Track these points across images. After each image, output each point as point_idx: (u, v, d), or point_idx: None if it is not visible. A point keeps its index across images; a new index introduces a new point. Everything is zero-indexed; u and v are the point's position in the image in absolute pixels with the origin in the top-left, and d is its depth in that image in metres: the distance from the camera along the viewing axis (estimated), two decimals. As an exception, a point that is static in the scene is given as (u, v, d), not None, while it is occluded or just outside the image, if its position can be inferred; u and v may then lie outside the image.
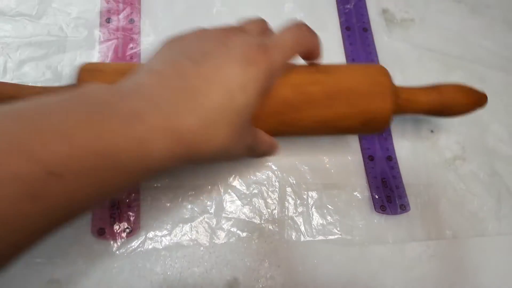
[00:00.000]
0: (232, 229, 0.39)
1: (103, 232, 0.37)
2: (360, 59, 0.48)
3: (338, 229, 0.41)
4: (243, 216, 0.40)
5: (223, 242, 0.39)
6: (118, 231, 0.37)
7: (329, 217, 0.41)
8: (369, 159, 0.44)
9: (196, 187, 0.40)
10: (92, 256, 0.36)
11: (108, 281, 0.36)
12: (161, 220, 0.39)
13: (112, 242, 0.37)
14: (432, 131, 0.47)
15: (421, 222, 0.43)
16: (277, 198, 0.41)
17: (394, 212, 0.42)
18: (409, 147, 0.46)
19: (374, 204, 0.42)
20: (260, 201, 0.41)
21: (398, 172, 0.44)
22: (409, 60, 0.50)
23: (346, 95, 0.35)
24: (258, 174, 0.42)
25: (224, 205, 0.40)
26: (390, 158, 0.45)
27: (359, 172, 0.44)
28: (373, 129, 0.37)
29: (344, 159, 0.44)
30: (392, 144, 0.46)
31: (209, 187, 0.41)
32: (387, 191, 0.43)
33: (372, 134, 0.44)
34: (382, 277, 0.40)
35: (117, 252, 0.37)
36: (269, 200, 0.41)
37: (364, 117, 0.35)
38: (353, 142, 0.45)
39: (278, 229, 0.40)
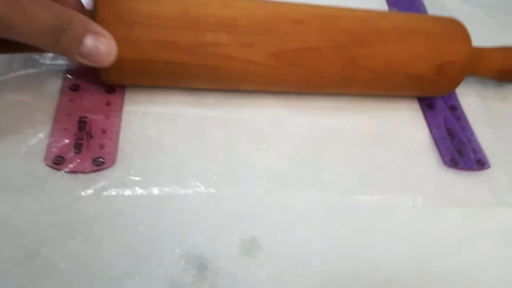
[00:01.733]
0: (250, 176, 0.28)
1: (61, 161, 0.26)
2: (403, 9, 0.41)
3: (398, 186, 0.30)
4: (264, 161, 0.29)
5: (237, 191, 0.27)
6: (83, 162, 0.26)
7: (385, 171, 0.30)
8: (428, 107, 0.35)
9: (201, 118, 0.30)
10: (44, 192, 0.25)
11: (65, 228, 0.24)
12: (149, 155, 0.27)
13: (74, 176, 0.25)
14: (500, 85, 0.38)
15: (510, 184, 0.32)
16: (312, 142, 0.31)
17: (469, 166, 0.32)
18: (476, 99, 0.37)
19: (442, 157, 0.32)
20: (288, 144, 0.30)
21: (467, 124, 0.34)
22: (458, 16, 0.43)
23: (420, 32, 0.31)
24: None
25: (239, 145, 0.29)
26: (454, 108, 0.35)
27: (418, 121, 0.34)
28: (448, 78, 0.32)
29: (398, 107, 0.35)
30: (454, 92, 0.36)
31: (217, 120, 0.30)
32: (457, 143, 0.33)
33: (439, 93, 0.35)
34: (462, 250, 0.28)
35: (82, 192, 0.25)
36: (300, 143, 0.30)
37: (440, 60, 0.31)
38: (405, 87, 0.36)
39: (315, 181, 0.29)
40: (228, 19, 0.28)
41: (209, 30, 0.27)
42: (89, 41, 0.24)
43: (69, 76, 0.29)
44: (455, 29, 0.32)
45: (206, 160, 0.28)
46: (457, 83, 0.33)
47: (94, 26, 0.24)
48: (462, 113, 0.35)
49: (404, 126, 0.33)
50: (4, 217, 0.24)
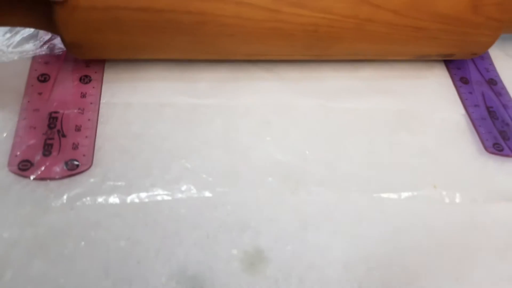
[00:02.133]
0: (253, 173, 0.24)
1: (28, 166, 0.22)
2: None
3: (430, 178, 0.25)
4: (269, 154, 0.25)
5: (237, 192, 0.23)
6: (54, 166, 0.22)
7: (413, 161, 0.26)
8: (462, 81, 0.29)
9: (191, 107, 0.25)
10: (7, 203, 0.21)
11: (31, 247, 0.20)
12: (131, 154, 0.23)
13: (43, 183, 0.22)
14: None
15: None
16: (325, 130, 0.26)
17: (518, 152, 0.26)
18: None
19: (483, 142, 0.27)
20: (297, 132, 0.26)
21: (510, 100, 0.29)
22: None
23: None
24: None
25: (238, 136, 0.25)
26: (494, 82, 0.30)
27: (451, 99, 0.29)
28: (485, 19, 0.26)
29: (426, 83, 0.30)
30: (492, 63, 0.31)
31: (211, 108, 0.26)
32: (499, 124, 0.28)
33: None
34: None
35: (52, 201, 0.21)
36: (311, 132, 0.26)
37: None
38: (435, 62, 0.31)
39: (331, 176, 0.24)
40: None
41: None
42: None
43: (38, 64, 0.25)
44: None
45: (199, 158, 0.24)
46: (497, 29, 0.27)
47: None
48: (503, 87, 0.30)
49: (434, 106, 0.28)
50: (-40, 236, 0.20)
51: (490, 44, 0.28)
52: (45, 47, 0.26)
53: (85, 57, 0.25)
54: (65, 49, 0.26)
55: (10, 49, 0.25)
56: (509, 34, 0.31)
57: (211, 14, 0.23)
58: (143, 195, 0.22)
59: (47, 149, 0.22)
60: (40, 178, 0.22)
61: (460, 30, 0.27)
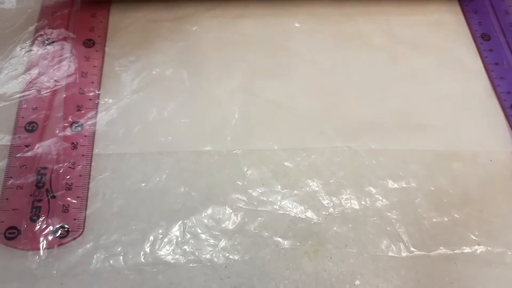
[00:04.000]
0: (264, 234, 0.21)
1: (14, 234, 0.20)
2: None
3: (476, 233, 0.22)
4: (282, 210, 0.22)
5: (246, 258, 0.20)
6: (43, 233, 0.20)
7: (454, 213, 0.22)
8: (483, 38, 0.25)
9: (195, 155, 0.23)
10: (-10, 280, 0.19)
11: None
12: (127, 215, 0.21)
13: (31, 254, 0.20)
14: None
15: None
16: (349, 178, 0.23)
17: None
18: None
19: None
20: (316, 182, 0.23)
21: None
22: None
23: None
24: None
25: (247, 188, 0.22)
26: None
27: (499, 132, 0.25)
28: None
29: (468, 110, 0.26)
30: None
31: (216, 157, 0.23)
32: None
33: None
34: None
35: (41, 276, 0.19)
36: (332, 180, 0.23)
37: None
38: (480, 82, 0.27)
39: (356, 235, 0.21)
40: None
41: None
42: None
43: (24, 111, 0.23)
44: None
45: (203, 217, 0.21)
46: None
47: None
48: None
49: (479, 143, 0.25)
50: None
51: None
52: (33, 88, 0.24)
53: None
54: (52, 86, 0.23)
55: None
56: None
57: None
58: (140, 264, 0.20)
59: (35, 213, 0.21)
60: (28, 248, 0.20)
61: None
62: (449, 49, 0.28)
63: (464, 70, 0.27)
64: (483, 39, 0.28)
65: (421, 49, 0.28)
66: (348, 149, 0.24)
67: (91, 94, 0.24)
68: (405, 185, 0.23)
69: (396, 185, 0.23)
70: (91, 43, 0.26)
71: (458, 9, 0.30)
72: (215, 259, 0.20)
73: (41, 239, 0.20)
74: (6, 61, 0.25)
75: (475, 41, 0.28)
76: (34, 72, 0.24)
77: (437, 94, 0.26)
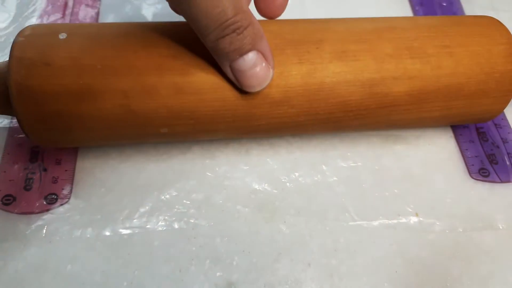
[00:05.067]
0: (227, 204, 0.24)
1: (10, 200, 0.23)
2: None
3: (412, 206, 0.25)
4: (244, 184, 0.25)
5: (211, 223, 0.24)
6: (35, 201, 0.23)
7: (395, 188, 0.26)
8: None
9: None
10: (-12, 238, 0.22)
11: (11, 281, 0.21)
12: (108, 187, 0.24)
13: (25, 217, 0.23)
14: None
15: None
16: (304, 157, 0.26)
17: (504, 178, 0.26)
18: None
19: (468, 167, 0.27)
20: (275, 160, 0.26)
21: (504, 118, 0.29)
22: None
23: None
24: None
25: (214, 166, 0.26)
26: (486, 101, 0.29)
27: (436, 121, 0.29)
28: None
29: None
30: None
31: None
32: (489, 146, 0.27)
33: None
34: (495, 286, 0.23)
35: (32, 235, 0.23)
36: (289, 159, 0.26)
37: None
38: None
39: (307, 205, 0.25)
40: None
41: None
42: (250, 57, 0.20)
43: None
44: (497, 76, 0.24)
45: (173, 189, 0.25)
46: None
47: (265, 45, 0.21)
48: (496, 107, 0.29)
49: (420, 128, 0.28)
50: None
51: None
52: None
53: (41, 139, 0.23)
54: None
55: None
56: None
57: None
58: (117, 228, 0.23)
59: (28, 183, 0.24)
60: (22, 213, 0.23)
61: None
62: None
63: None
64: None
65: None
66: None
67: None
68: (353, 164, 0.26)
69: (344, 164, 0.26)
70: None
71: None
72: (183, 224, 0.24)
73: (33, 204, 0.23)
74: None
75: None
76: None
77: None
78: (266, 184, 0.25)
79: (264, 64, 0.21)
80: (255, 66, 0.20)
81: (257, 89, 0.21)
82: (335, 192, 0.25)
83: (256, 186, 0.25)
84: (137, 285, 0.22)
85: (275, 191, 0.25)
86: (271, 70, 0.21)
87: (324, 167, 0.26)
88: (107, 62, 0.21)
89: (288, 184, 0.25)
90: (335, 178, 0.26)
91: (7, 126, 0.26)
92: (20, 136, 0.25)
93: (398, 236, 0.24)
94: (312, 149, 0.27)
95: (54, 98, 0.20)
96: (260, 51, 0.20)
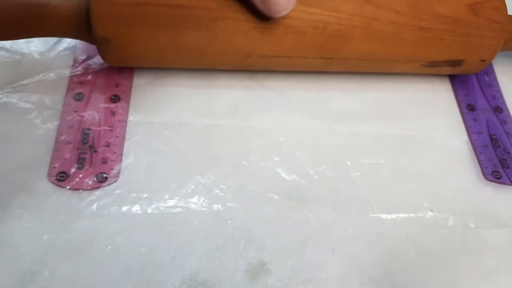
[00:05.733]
0: (260, 191, 0.27)
1: (64, 177, 0.26)
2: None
3: (427, 202, 0.28)
4: (276, 173, 0.27)
5: (245, 207, 0.26)
6: (86, 178, 0.26)
7: (412, 185, 0.28)
8: (468, 108, 0.31)
9: (207, 127, 0.29)
10: (46, 209, 0.25)
11: (65, 249, 0.24)
12: (153, 169, 0.27)
13: (76, 193, 0.25)
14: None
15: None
16: (330, 152, 0.29)
17: (515, 181, 0.28)
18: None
19: (482, 169, 0.29)
20: (304, 154, 0.28)
21: (514, 128, 0.31)
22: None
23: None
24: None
25: (249, 155, 0.28)
26: (499, 109, 0.32)
27: (455, 126, 0.31)
28: (486, 21, 0.29)
29: (432, 107, 0.32)
30: (499, 91, 0.33)
31: (225, 129, 0.29)
32: (501, 152, 0.29)
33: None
34: (500, 279, 0.26)
35: (84, 210, 0.25)
36: (317, 153, 0.29)
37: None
38: (442, 85, 0.33)
39: (332, 196, 0.27)
40: None
41: None
42: None
43: (74, 84, 0.29)
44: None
45: (212, 174, 0.27)
46: (500, 31, 0.29)
47: None
48: (509, 115, 0.32)
49: (437, 132, 0.31)
50: (7, 235, 0.24)
51: (496, 47, 0.30)
52: (80, 67, 0.30)
53: (113, 60, 0.28)
54: (98, 68, 0.29)
55: (49, 66, 0.29)
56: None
57: (227, 11, 0.26)
58: (162, 207, 0.26)
59: (81, 162, 0.26)
60: (74, 189, 0.25)
61: (463, 31, 0.29)
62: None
63: (431, 76, 0.33)
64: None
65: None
66: (330, 130, 0.30)
67: (127, 73, 0.30)
68: (374, 161, 0.29)
69: (367, 161, 0.29)
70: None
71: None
72: (221, 207, 0.26)
73: (85, 182, 0.26)
74: (59, 44, 0.31)
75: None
76: (83, 56, 0.30)
77: (407, 91, 0.32)
78: (295, 175, 0.28)
79: None
80: None
81: (283, 13, 0.25)
82: (357, 186, 0.28)
83: (286, 177, 0.28)
84: (178, 260, 0.24)
85: (303, 182, 0.28)
86: None
87: (348, 163, 0.29)
88: None
89: (315, 176, 0.28)
90: (358, 173, 0.28)
91: (60, 108, 0.28)
92: (73, 118, 0.27)
93: (413, 229, 0.27)
94: (337, 145, 0.29)
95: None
96: None
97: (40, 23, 0.26)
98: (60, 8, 0.26)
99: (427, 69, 0.30)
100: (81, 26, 0.26)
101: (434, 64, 0.30)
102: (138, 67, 0.30)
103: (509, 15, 0.30)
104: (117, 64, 0.29)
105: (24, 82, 0.29)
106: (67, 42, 0.31)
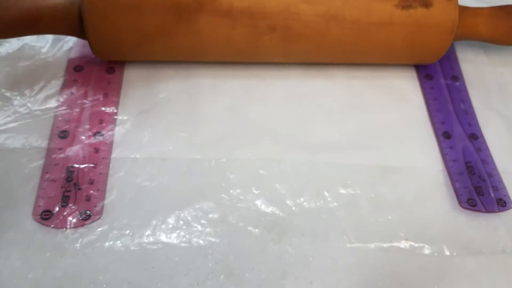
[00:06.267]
0: (240, 224, 0.28)
1: (48, 216, 0.26)
2: None
3: (403, 231, 0.28)
4: (255, 206, 0.28)
5: (225, 241, 0.27)
6: (69, 216, 0.26)
7: (389, 215, 0.29)
8: (444, 136, 0.32)
9: (190, 161, 0.29)
10: (32, 247, 0.26)
11: (49, 286, 0.24)
12: (135, 205, 0.28)
13: (61, 231, 0.26)
14: (532, 105, 0.35)
15: (533, 226, 0.29)
16: (309, 183, 0.30)
17: (489, 208, 0.29)
18: (500, 123, 0.34)
19: (458, 197, 0.30)
20: (283, 186, 0.29)
21: (489, 155, 0.32)
22: None
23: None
24: (281, 149, 0.31)
25: (229, 189, 0.29)
26: (475, 137, 0.32)
27: (431, 154, 0.32)
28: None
29: (408, 136, 0.33)
30: (475, 118, 0.34)
31: (207, 163, 0.30)
32: (476, 179, 0.30)
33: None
34: (478, 309, 0.26)
35: (68, 247, 0.26)
36: (296, 185, 0.29)
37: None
38: (419, 113, 0.34)
39: (311, 227, 0.28)
40: None
41: None
42: None
43: (59, 122, 0.30)
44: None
45: (193, 209, 0.28)
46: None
47: None
48: (484, 142, 0.32)
49: (414, 161, 0.31)
50: (-7, 275, 0.25)
51: (450, 24, 0.32)
52: (65, 105, 0.30)
53: (103, 51, 0.31)
54: (83, 105, 0.30)
55: (36, 107, 0.30)
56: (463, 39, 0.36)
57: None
58: (143, 243, 0.26)
59: (65, 200, 0.27)
60: (59, 227, 0.26)
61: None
62: (397, 86, 0.35)
63: (407, 103, 0.34)
64: (426, 79, 0.35)
65: (374, 86, 0.35)
66: (310, 161, 0.30)
67: (111, 111, 0.31)
68: (352, 192, 0.30)
69: (344, 191, 0.30)
70: (112, 70, 0.33)
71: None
72: (201, 241, 0.27)
73: (69, 220, 0.26)
74: (44, 83, 0.32)
75: (419, 80, 0.36)
76: (67, 92, 0.31)
77: (384, 120, 0.33)
78: (274, 208, 0.28)
79: None
80: None
81: None
82: (335, 216, 0.29)
83: (266, 209, 0.28)
84: (160, 295, 0.25)
85: (282, 214, 0.28)
86: None
87: (326, 193, 0.29)
88: None
89: (294, 208, 0.29)
90: (335, 204, 0.29)
91: (46, 147, 0.29)
92: (58, 156, 0.28)
93: (390, 258, 0.27)
94: (315, 176, 0.30)
95: None
96: None
97: (36, 19, 0.29)
98: (54, 3, 0.29)
99: (402, 12, 0.31)
100: (74, 21, 0.29)
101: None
102: (128, 60, 0.34)
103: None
104: (108, 57, 0.32)
105: (10, 120, 0.30)
106: (54, 81, 0.32)
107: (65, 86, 0.31)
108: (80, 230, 0.26)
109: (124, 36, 0.30)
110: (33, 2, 0.29)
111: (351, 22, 0.31)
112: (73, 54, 0.33)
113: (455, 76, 0.36)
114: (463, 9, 0.33)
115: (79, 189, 0.28)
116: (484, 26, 0.34)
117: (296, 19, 0.30)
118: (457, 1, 0.32)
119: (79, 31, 0.30)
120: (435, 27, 0.32)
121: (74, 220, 0.27)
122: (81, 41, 0.34)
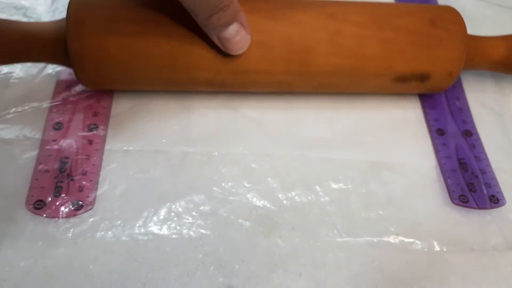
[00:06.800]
0: (231, 217, 0.28)
1: (41, 205, 0.27)
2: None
3: (394, 227, 0.28)
4: (247, 200, 0.28)
5: (216, 234, 0.27)
6: (62, 206, 0.27)
7: (380, 210, 0.29)
8: (437, 133, 0.32)
9: (182, 154, 0.30)
10: (24, 237, 0.26)
11: (41, 276, 0.25)
12: (127, 197, 0.28)
13: (53, 221, 0.26)
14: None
15: (525, 224, 0.29)
16: (301, 178, 0.30)
17: (481, 205, 0.29)
18: (495, 120, 0.34)
19: (450, 193, 0.30)
20: (275, 180, 0.29)
21: (483, 152, 0.32)
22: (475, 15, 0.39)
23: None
24: (274, 143, 0.31)
25: (221, 182, 0.29)
26: (469, 133, 0.33)
27: (424, 151, 0.32)
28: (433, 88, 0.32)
29: (402, 133, 0.33)
30: (470, 115, 0.34)
31: (199, 157, 0.30)
32: (468, 176, 0.30)
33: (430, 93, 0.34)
34: (467, 305, 0.26)
35: (60, 237, 0.26)
36: (288, 179, 0.29)
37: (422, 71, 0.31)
38: (413, 111, 0.34)
39: (301, 221, 0.28)
40: None
41: None
42: (232, 28, 0.26)
43: (53, 114, 0.30)
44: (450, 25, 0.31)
45: (184, 201, 0.28)
46: (460, 42, 0.31)
47: (242, 16, 0.27)
48: (478, 139, 0.32)
49: (407, 157, 0.31)
50: (-15, 264, 0.25)
51: (459, 59, 0.31)
52: (60, 97, 0.31)
53: (88, 79, 0.29)
54: (77, 98, 0.31)
55: (33, 98, 0.30)
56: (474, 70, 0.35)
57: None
58: (134, 234, 0.27)
59: (58, 191, 0.27)
60: (51, 216, 0.27)
61: (425, 43, 0.30)
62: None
63: (401, 99, 0.34)
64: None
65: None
66: (302, 156, 0.31)
67: (105, 103, 0.31)
68: (343, 187, 0.30)
69: (336, 186, 0.30)
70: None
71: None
72: (192, 233, 0.27)
73: (61, 210, 0.27)
74: (40, 74, 0.32)
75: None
76: (63, 86, 0.31)
77: (378, 116, 0.33)
78: (266, 201, 0.29)
79: (243, 32, 0.27)
80: (237, 34, 0.26)
81: (240, 52, 0.27)
82: (326, 211, 0.29)
83: (257, 203, 0.28)
84: (149, 287, 0.25)
85: (273, 207, 0.28)
86: (249, 36, 0.27)
87: (317, 188, 0.29)
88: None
89: (285, 202, 0.29)
90: (327, 198, 0.29)
91: (40, 138, 0.29)
92: (52, 147, 0.29)
93: (380, 253, 0.28)
94: (307, 171, 0.30)
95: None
96: (239, 22, 0.26)
97: (21, 48, 0.28)
98: (40, 32, 0.28)
99: (397, 85, 0.31)
100: (59, 49, 0.28)
101: (402, 78, 0.31)
102: (114, 89, 0.32)
103: (470, 35, 0.31)
104: (92, 86, 0.31)
105: (4, 113, 0.30)
106: (48, 72, 0.32)
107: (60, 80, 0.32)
108: (72, 220, 0.27)
109: (112, 70, 0.29)
110: (21, 31, 0.28)
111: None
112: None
113: (451, 74, 0.36)
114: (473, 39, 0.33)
115: (72, 179, 0.28)
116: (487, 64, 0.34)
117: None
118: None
119: (65, 59, 0.29)
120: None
121: (67, 210, 0.27)
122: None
